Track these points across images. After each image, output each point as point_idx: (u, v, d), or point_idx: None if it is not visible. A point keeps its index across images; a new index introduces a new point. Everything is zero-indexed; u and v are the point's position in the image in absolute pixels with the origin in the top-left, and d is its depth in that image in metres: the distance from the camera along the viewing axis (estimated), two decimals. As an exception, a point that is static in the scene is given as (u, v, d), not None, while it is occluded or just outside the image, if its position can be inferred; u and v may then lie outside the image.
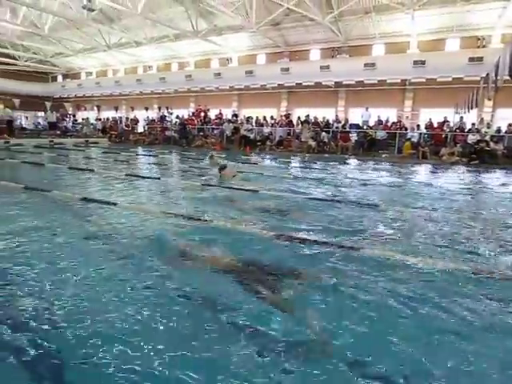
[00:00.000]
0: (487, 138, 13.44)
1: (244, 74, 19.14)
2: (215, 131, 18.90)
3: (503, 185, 8.70)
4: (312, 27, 17.49)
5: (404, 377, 1.73)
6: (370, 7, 15.63)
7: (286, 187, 6.96)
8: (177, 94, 23.31)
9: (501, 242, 3.89)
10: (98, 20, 18.87)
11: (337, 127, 16.48)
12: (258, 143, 16.97)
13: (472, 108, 11.82)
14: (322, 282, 2.69)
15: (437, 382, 1.71)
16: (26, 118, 26.55)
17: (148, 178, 7.80)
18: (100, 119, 24.42)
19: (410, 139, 14.77)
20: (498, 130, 14.00)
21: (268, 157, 14.39)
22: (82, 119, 25.43)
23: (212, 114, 20.50)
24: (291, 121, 17.97)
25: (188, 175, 8.69)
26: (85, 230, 4.02)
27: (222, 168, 7.17)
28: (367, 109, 16.71)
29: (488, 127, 14.11)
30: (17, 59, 24.70)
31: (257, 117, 18.53)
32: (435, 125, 15.08)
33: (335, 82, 18.01)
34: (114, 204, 5.10)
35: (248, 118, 18.34)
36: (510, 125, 13.53)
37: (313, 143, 15.65)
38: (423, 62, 15.01)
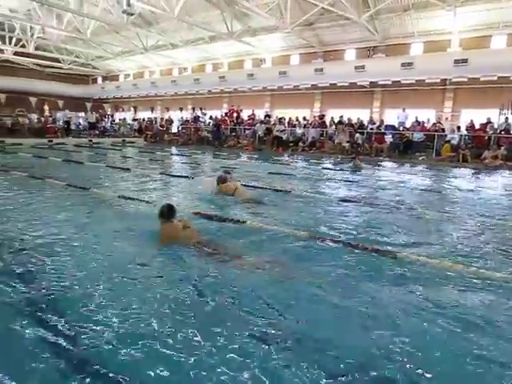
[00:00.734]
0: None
1: (277, 75, 19.09)
2: (247, 132, 18.98)
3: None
4: (347, 26, 17.16)
5: None
6: (408, 5, 15.10)
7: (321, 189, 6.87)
8: (210, 94, 23.63)
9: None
10: (137, 24, 19.48)
11: (371, 128, 16.07)
12: (291, 144, 16.86)
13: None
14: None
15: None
16: (69, 118, 27.86)
17: (180, 176, 7.94)
18: (136, 119, 25.22)
19: (449, 141, 14.13)
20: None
21: (300, 158, 14.28)
22: (120, 119, 26.36)
23: (244, 114, 20.61)
24: (324, 122, 17.73)
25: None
26: (116, 225, 4.15)
27: (222, 180, 5.82)
28: (404, 110, 16.18)
29: (536, 129, 13.25)
30: (61, 62, 25.95)
31: (289, 117, 18.42)
32: (477, 126, 14.34)
33: (370, 83, 17.56)
34: (148, 202, 5.23)
35: (280, 118, 18.27)
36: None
37: (346, 145, 15.36)
38: (465, 61, 14.31)
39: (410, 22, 16.10)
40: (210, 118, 21.01)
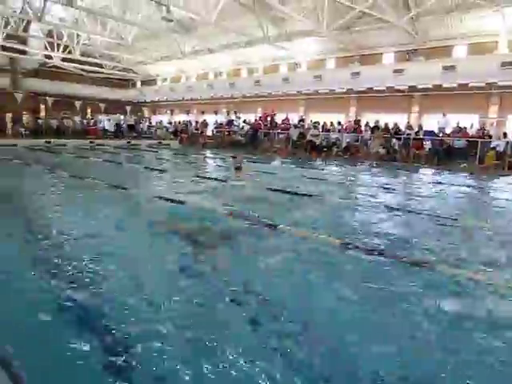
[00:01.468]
0: None
1: (312, 79, 18.96)
2: (281, 136, 18.94)
3: None
4: (386, 29, 16.74)
5: None
6: (452, 6, 14.53)
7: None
8: (245, 98, 23.83)
9: None
10: (175, 30, 20.04)
11: (409, 134, 15.54)
12: (325, 149, 16.65)
13: None
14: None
15: None
16: (109, 120, 29.10)
17: (214, 179, 8.03)
18: (172, 122, 25.89)
19: (494, 148, 13.40)
20: None
21: (334, 163, 14.07)
22: (156, 122, 27.17)
23: (278, 118, 20.60)
24: (359, 126, 17.37)
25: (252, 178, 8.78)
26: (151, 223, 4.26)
27: (237, 168, 8.17)
28: (444, 115, 15.52)
29: None
30: (103, 68, 27.15)
31: (324, 122, 18.21)
32: (526, 133, 13.52)
33: (409, 87, 17.03)
34: (182, 203, 5.32)
35: (315, 123, 18.09)
36: None
37: (382, 150, 14.95)
38: (513, 64, 13.57)
39: (452, 23, 15.48)
40: (244, 121, 21.17)
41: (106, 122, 24.36)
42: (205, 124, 23.10)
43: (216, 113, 23.49)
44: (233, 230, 4.14)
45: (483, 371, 1.86)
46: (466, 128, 14.75)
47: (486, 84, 15.28)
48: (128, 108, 24.74)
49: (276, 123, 20.06)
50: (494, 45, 15.29)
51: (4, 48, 20.52)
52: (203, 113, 25.04)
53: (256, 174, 9.02)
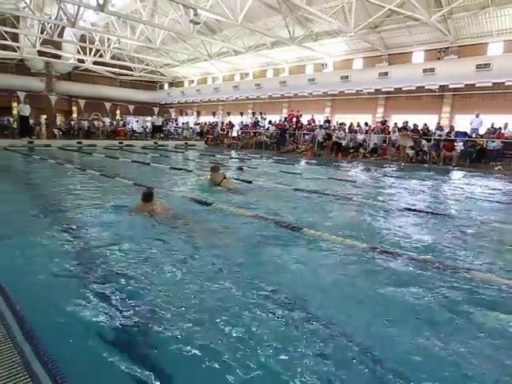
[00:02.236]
0: None
1: (339, 80, 18.69)
2: (307, 137, 18.80)
3: None
4: (415, 28, 16.32)
5: None
6: (487, 1, 13.96)
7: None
8: (270, 99, 23.82)
9: None
10: (202, 32, 20.31)
11: (439, 135, 15.03)
12: (351, 150, 16.39)
13: None
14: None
15: None
16: (137, 121, 29.90)
17: (241, 180, 8.05)
18: (198, 123, 26.24)
19: (531, 150, 12.77)
20: None
21: (361, 164, 13.82)
22: (183, 123, 27.62)
23: (304, 119, 20.46)
24: (387, 127, 16.98)
25: (279, 179, 8.76)
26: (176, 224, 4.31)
27: (213, 169, 6.54)
28: (477, 115, 14.92)
29: None
30: (132, 70, 27.89)
31: (351, 123, 17.93)
32: None
33: (440, 86, 16.48)
34: (208, 204, 5.37)
35: (341, 123, 17.84)
36: None
37: (411, 152, 14.55)
38: (554, 61, 12.88)
39: (487, 20, 14.87)
40: (269, 122, 21.17)
41: (135, 123, 25.01)
42: (231, 125, 23.27)
43: (242, 114, 23.62)
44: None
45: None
46: (500, 128, 14.14)
47: (524, 82, 14.60)
48: (156, 109, 25.28)
49: (302, 124, 19.94)
50: (532, 41, 14.59)
51: (40, 53, 21.47)
52: (229, 114, 25.24)
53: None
